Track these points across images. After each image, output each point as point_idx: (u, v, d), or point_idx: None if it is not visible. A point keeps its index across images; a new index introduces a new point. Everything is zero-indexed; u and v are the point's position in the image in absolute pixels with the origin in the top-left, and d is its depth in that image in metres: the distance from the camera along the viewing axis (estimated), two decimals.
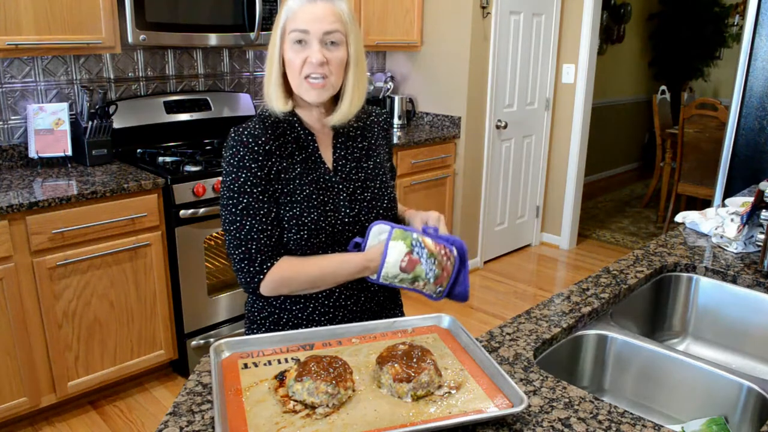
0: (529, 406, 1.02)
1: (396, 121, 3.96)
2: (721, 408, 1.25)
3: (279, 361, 1.10)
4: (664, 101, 5.45)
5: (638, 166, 7.48)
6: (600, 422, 0.98)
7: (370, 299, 1.39)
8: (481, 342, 1.22)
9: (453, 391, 1.01)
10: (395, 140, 3.47)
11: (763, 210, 1.65)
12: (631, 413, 1.01)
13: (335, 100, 1.34)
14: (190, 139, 3.15)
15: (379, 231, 1.30)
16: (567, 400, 1.04)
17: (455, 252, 1.31)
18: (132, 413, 2.57)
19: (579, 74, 4.27)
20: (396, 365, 1.01)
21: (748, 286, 1.58)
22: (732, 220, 1.82)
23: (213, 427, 0.94)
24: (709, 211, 1.98)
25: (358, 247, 1.32)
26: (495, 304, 3.67)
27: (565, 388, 1.07)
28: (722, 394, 1.23)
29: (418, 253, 1.24)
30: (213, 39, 2.86)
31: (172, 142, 3.09)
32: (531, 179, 4.49)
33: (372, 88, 4.05)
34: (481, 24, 3.74)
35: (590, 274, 1.60)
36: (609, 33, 6.23)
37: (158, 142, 3.04)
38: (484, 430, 0.95)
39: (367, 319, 1.37)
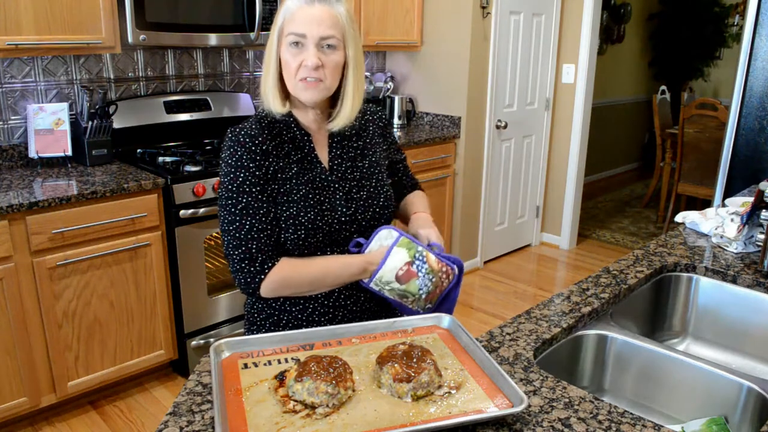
0: (529, 406, 1.02)
1: (396, 121, 3.96)
2: (721, 408, 1.25)
3: (279, 361, 1.10)
4: (664, 101, 5.45)
5: (638, 166, 7.48)
6: (600, 422, 0.98)
7: (370, 299, 1.39)
8: (481, 342, 1.22)
9: (453, 391, 1.01)
10: None
11: (763, 210, 1.65)
12: (631, 413, 1.01)
13: (332, 102, 1.34)
14: (190, 139, 3.15)
15: (385, 236, 1.30)
16: (567, 400, 1.04)
17: (455, 271, 1.31)
18: (132, 413, 2.57)
19: (579, 74, 4.27)
20: (396, 365, 1.01)
21: (748, 286, 1.58)
22: (732, 220, 1.82)
23: (213, 427, 0.94)
24: (709, 211, 1.98)
25: (360, 247, 1.32)
26: (495, 304, 3.67)
27: (565, 388, 1.07)
28: (722, 394, 1.23)
29: (417, 267, 1.24)
30: (213, 39, 2.86)
31: (172, 142, 3.09)
32: (531, 179, 4.49)
33: (372, 88, 4.05)
34: (481, 24, 3.74)
35: (590, 274, 1.60)
36: (609, 33, 6.23)
37: (158, 142, 3.04)
38: (484, 430, 0.95)
39: (367, 320, 1.37)
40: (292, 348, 1.14)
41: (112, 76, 2.95)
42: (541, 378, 1.10)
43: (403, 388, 0.99)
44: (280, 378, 1.02)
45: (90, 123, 2.67)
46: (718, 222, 1.87)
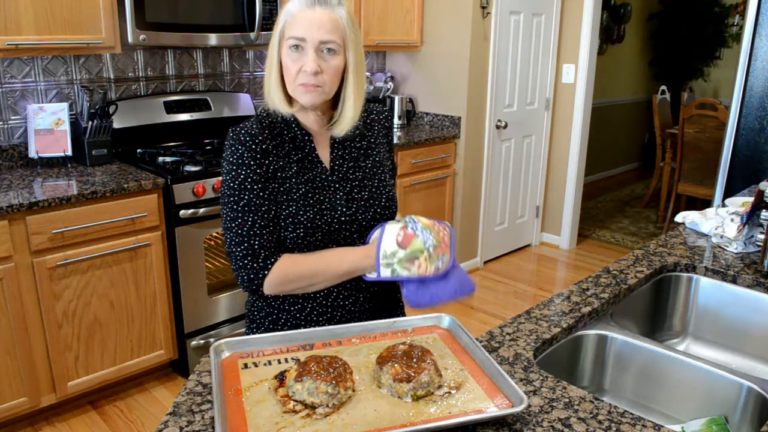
0: (529, 406, 1.02)
1: (396, 121, 3.96)
2: (721, 408, 1.25)
3: (279, 361, 1.10)
4: (664, 101, 5.45)
5: (638, 166, 7.48)
6: (600, 422, 0.98)
7: (369, 300, 1.39)
8: (481, 342, 1.22)
9: (453, 391, 1.01)
10: (395, 140, 3.47)
11: (763, 210, 1.65)
12: (631, 413, 1.01)
13: (333, 103, 1.34)
14: (190, 139, 3.15)
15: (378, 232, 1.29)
16: (567, 400, 1.04)
17: (447, 225, 1.29)
18: (132, 413, 2.57)
19: (579, 74, 4.27)
20: (396, 365, 1.01)
21: (748, 286, 1.58)
22: (732, 220, 1.82)
23: (213, 427, 0.94)
24: (709, 211, 1.98)
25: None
26: (495, 304, 3.67)
27: (565, 388, 1.07)
28: (722, 394, 1.23)
29: (412, 228, 1.21)
30: (213, 39, 2.86)
31: (172, 142, 3.09)
32: (531, 179, 4.49)
33: (372, 88, 4.05)
34: (481, 24, 3.74)
35: (590, 274, 1.60)
36: (609, 33, 6.23)
37: (158, 142, 3.04)
38: (484, 430, 0.95)
39: (365, 320, 1.37)
40: (292, 348, 1.14)
41: (112, 76, 2.95)
42: (541, 378, 1.10)
43: (403, 388, 0.99)
44: (280, 378, 1.02)
45: (90, 123, 2.67)
46: (718, 222, 1.87)
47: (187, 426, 0.94)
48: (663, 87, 5.58)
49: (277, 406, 0.97)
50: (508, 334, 1.27)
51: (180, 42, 2.77)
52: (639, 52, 6.85)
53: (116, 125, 2.84)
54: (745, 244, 1.75)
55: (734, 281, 1.61)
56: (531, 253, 4.56)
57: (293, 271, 1.27)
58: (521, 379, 1.09)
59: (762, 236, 1.71)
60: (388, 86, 4.02)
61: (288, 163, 1.32)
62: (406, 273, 1.21)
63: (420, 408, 0.97)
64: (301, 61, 1.24)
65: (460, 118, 3.84)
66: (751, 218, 1.72)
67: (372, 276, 1.25)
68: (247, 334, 1.44)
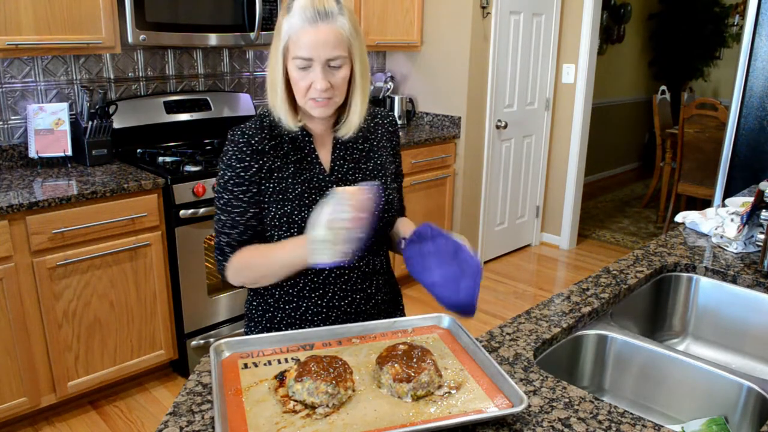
0: (529, 406, 1.02)
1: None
2: (721, 408, 1.25)
3: (279, 361, 1.10)
4: (664, 101, 5.45)
5: (638, 166, 7.48)
6: (600, 422, 0.98)
7: (366, 301, 1.39)
8: (481, 342, 1.22)
9: (453, 391, 1.01)
10: None
11: (763, 210, 1.65)
12: (631, 413, 1.01)
13: (339, 107, 1.34)
14: (190, 139, 3.15)
15: None
16: (567, 400, 1.04)
17: (377, 187, 1.20)
18: (132, 413, 2.57)
19: (579, 74, 4.27)
20: (396, 365, 1.01)
21: (748, 286, 1.58)
22: (732, 220, 1.82)
23: (213, 427, 0.94)
24: (709, 211, 1.98)
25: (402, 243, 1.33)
26: (495, 304, 3.67)
27: (565, 388, 1.07)
28: (722, 394, 1.23)
29: (330, 196, 1.15)
30: (213, 39, 2.86)
31: (172, 142, 3.09)
32: (531, 179, 4.49)
33: (372, 88, 4.05)
34: (481, 24, 3.74)
35: (590, 274, 1.60)
36: (609, 33, 6.23)
37: (158, 142, 3.04)
38: (484, 430, 0.95)
39: (362, 322, 1.37)
40: (292, 348, 1.14)
41: (112, 76, 2.95)
42: (541, 378, 1.10)
43: (403, 388, 0.99)
44: (280, 378, 1.02)
45: (90, 123, 2.67)
46: (718, 222, 1.87)
47: (187, 426, 0.94)
48: (663, 87, 5.58)
49: (277, 406, 0.97)
50: (508, 334, 1.27)
51: (180, 42, 2.77)
52: (639, 52, 6.85)
53: (116, 125, 2.84)
54: (745, 244, 1.75)
55: (734, 281, 1.61)
56: (531, 253, 4.56)
57: (246, 260, 1.31)
58: (521, 379, 1.09)
59: (762, 236, 1.71)
60: (388, 86, 4.02)
61: (285, 163, 1.32)
62: (331, 256, 1.14)
63: (420, 408, 0.97)
64: (310, 77, 1.24)
65: (460, 118, 3.84)
66: (751, 218, 1.72)
67: (318, 263, 1.17)
68: (246, 333, 1.44)
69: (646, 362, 1.32)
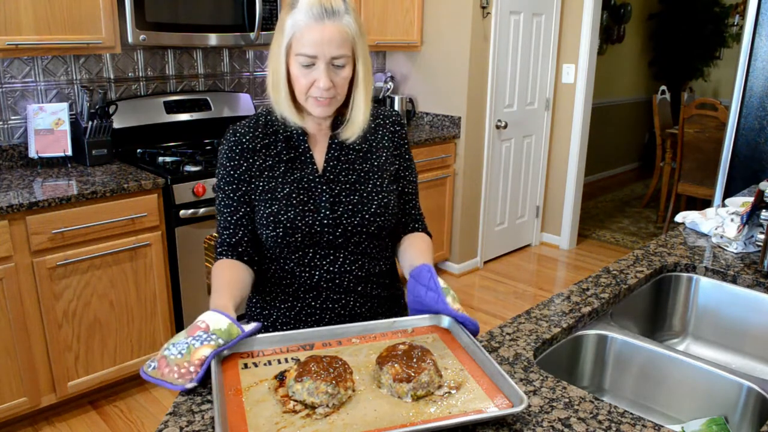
0: (529, 405, 1.02)
1: None
2: (721, 408, 1.25)
3: (279, 361, 1.10)
4: (664, 101, 5.45)
5: (638, 166, 7.48)
6: (600, 422, 0.98)
7: (362, 303, 1.38)
8: (481, 342, 1.22)
9: (453, 391, 1.01)
10: None
11: (763, 210, 1.65)
12: (631, 413, 1.01)
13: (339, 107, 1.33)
14: (190, 139, 3.15)
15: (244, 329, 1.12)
16: (567, 400, 1.04)
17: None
18: (132, 413, 2.57)
19: (579, 74, 4.27)
20: (396, 365, 1.01)
21: (748, 286, 1.58)
22: (732, 220, 1.82)
23: (213, 427, 0.94)
24: (709, 211, 1.98)
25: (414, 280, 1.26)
26: (495, 304, 3.67)
27: (565, 388, 1.07)
28: (722, 394, 1.23)
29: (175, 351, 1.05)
30: (213, 39, 2.86)
31: (172, 142, 3.09)
32: (531, 179, 4.49)
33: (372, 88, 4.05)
34: (481, 24, 3.74)
35: (590, 274, 1.60)
36: (609, 33, 6.23)
37: (158, 142, 3.04)
38: (484, 430, 0.95)
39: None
40: (292, 348, 1.14)
41: (112, 76, 2.95)
42: (541, 378, 1.10)
43: (403, 388, 0.99)
44: (280, 378, 1.02)
45: (90, 123, 2.67)
46: (718, 222, 1.87)
47: (187, 426, 0.94)
48: (663, 87, 5.58)
49: (277, 406, 0.97)
50: (508, 334, 1.27)
51: (180, 42, 2.77)
52: (639, 52, 6.85)
53: (116, 125, 2.84)
54: (745, 244, 1.75)
55: (734, 281, 1.61)
56: (531, 253, 4.56)
57: (213, 273, 1.34)
58: (521, 379, 1.09)
59: (762, 236, 1.71)
60: (388, 86, 4.02)
61: (277, 162, 1.32)
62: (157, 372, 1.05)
63: (420, 408, 0.97)
64: (313, 75, 1.23)
65: (460, 118, 3.84)
66: (751, 218, 1.72)
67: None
68: None
69: (646, 362, 1.32)
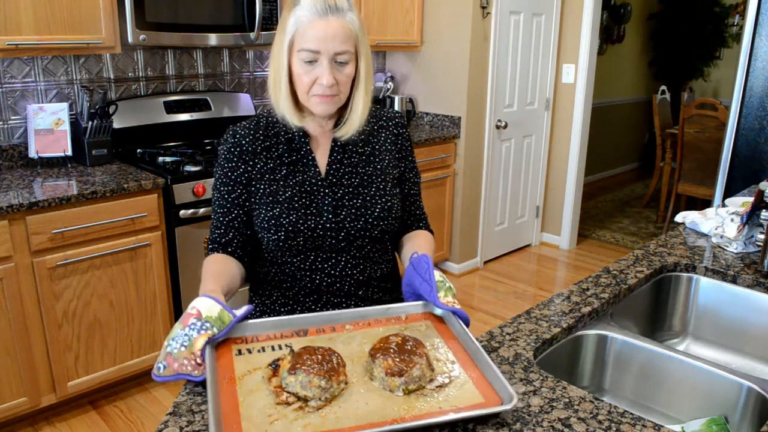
0: (527, 405, 1.02)
1: None
2: (721, 408, 1.24)
3: (273, 348, 1.10)
4: (664, 101, 5.45)
5: (638, 166, 7.48)
6: (600, 422, 0.98)
7: (359, 286, 1.37)
8: (481, 342, 1.22)
9: (445, 381, 1.01)
10: None
11: (763, 210, 1.65)
12: (631, 413, 1.01)
13: (340, 107, 1.33)
14: (190, 139, 3.15)
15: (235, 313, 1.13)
16: (567, 400, 1.04)
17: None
18: (132, 413, 2.57)
19: (579, 74, 4.27)
20: (388, 359, 1.01)
21: (748, 286, 1.58)
22: (732, 220, 1.82)
23: None
24: (709, 211, 1.98)
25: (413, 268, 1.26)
26: (495, 304, 3.67)
27: (565, 388, 1.07)
28: (722, 394, 1.23)
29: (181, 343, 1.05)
30: (213, 39, 2.86)
31: (172, 142, 3.09)
32: (531, 179, 4.49)
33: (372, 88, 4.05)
34: (481, 24, 3.74)
35: (590, 274, 1.60)
36: (609, 33, 6.23)
37: (158, 142, 3.04)
38: (484, 429, 0.95)
39: (355, 306, 1.36)
40: (285, 334, 1.14)
41: (112, 76, 2.95)
42: (541, 378, 1.10)
43: (395, 382, 0.99)
44: (274, 367, 1.02)
45: (90, 123, 2.67)
46: (718, 222, 1.87)
47: (187, 426, 0.94)
48: (663, 87, 5.58)
49: (270, 396, 0.97)
50: (508, 334, 1.27)
51: (180, 42, 2.77)
52: (639, 52, 6.85)
53: (116, 125, 2.84)
54: (745, 244, 1.75)
55: (734, 281, 1.61)
56: (531, 253, 4.56)
57: (203, 267, 1.31)
58: (521, 379, 1.09)
59: (762, 236, 1.71)
60: (388, 86, 4.02)
61: (279, 164, 1.31)
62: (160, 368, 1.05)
63: (411, 403, 0.97)
64: (315, 72, 1.22)
65: (460, 118, 3.84)
66: (751, 218, 1.72)
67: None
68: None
69: (646, 362, 1.32)
